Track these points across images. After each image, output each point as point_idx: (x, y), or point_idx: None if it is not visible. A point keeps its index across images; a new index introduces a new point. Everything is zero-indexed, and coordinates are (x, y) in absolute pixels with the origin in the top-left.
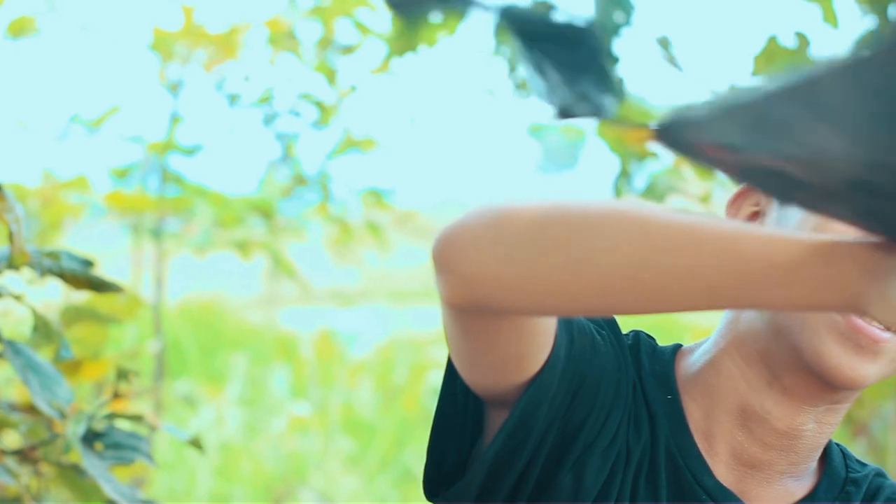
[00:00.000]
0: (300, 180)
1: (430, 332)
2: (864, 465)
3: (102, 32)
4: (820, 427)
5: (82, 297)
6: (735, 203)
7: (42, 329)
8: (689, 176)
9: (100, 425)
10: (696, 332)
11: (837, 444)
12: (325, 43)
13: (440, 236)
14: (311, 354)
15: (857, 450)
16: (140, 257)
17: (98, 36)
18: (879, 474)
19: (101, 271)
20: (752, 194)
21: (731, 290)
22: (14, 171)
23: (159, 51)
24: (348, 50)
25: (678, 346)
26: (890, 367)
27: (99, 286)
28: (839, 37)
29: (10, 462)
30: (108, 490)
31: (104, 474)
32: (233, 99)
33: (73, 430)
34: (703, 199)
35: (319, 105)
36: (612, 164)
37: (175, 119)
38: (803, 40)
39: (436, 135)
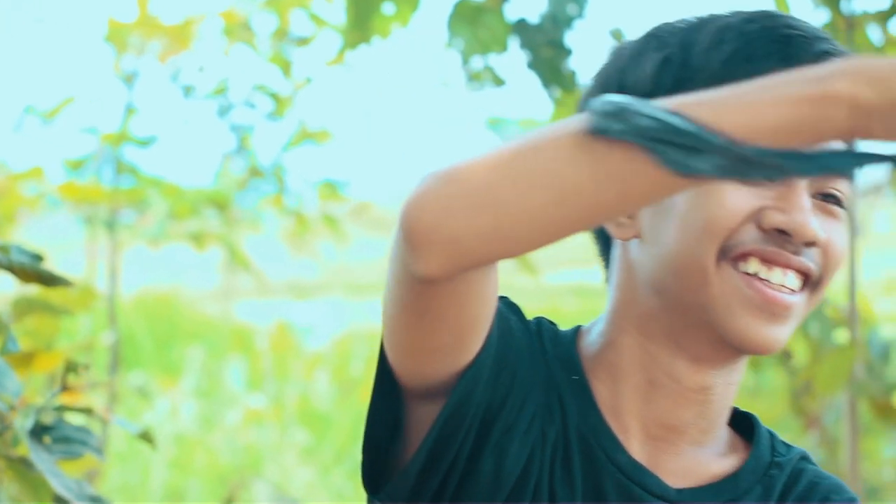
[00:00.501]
0: (255, 172)
1: None
2: (789, 448)
3: (57, 23)
4: (726, 387)
5: (35, 288)
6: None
7: None
8: None
9: (48, 418)
10: None
11: (766, 428)
12: (280, 34)
13: (407, 214)
14: (267, 347)
15: (809, 442)
16: (95, 249)
17: (53, 27)
18: (804, 458)
19: (52, 265)
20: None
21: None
22: None
23: (114, 42)
24: (303, 41)
25: (578, 328)
26: (795, 326)
27: (49, 280)
28: None
29: None
30: (56, 484)
31: (52, 468)
32: (187, 90)
33: (21, 423)
34: None
35: (274, 97)
36: None
37: (130, 110)
38: None
39: (391, 126)
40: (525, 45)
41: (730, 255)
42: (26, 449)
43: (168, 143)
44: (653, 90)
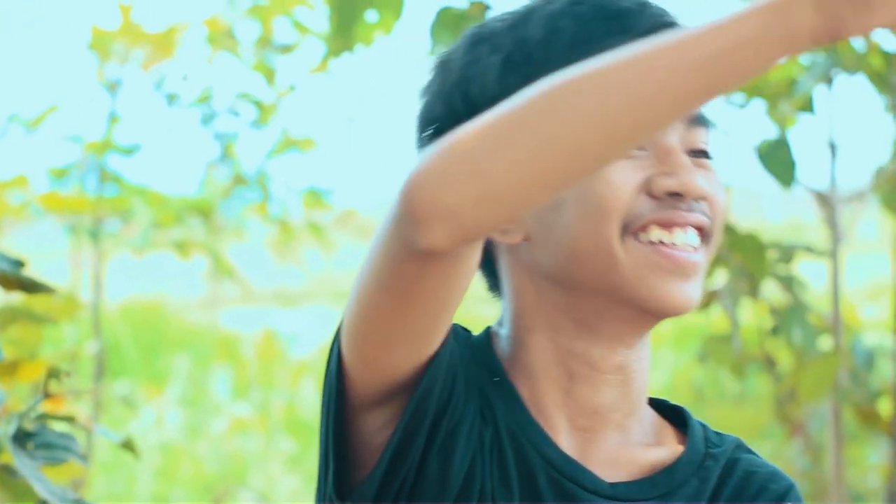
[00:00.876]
0: (239, 180)
1: None
2: (722, 437)
3: (40, 31)
4: (639, 363)
5: (19, 297)
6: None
7: None
8: None
9: (31, 425)
10: None
11: (698, 420)
12: (264, 42)
13: (409, 188)
14: (252, 355)
15: (794, 449)
16: (79, 258)
17: (36, 35)
18: (739, 446)
19: (34, 272)
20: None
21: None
22: None
23: (97, 50)
24: (287, 49)
25: (488, 330)
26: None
27: (30, 287)
28: None
29: None
30: (40, 489)
31: (35, 474)
32: (171, 98)
33: (4, 430)
34: None
35: (258, 104)
36: None
37: (113, 119)
38: None
39: (375, 134)
40: None
41: (630, 229)
42: (10, 456)
43: (152, 151)
44: (501, 93)
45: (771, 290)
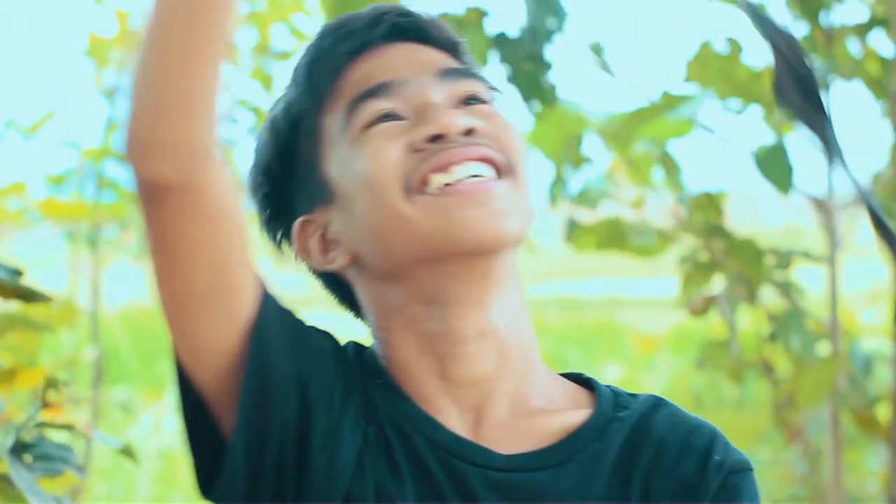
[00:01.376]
0: (238, 186)
1: None
2: (635, 399)
3: (38, 38)
4: (508, 324)
5: (16, 304)
6: (301, 234)
7: None
8: (623, 182)
9: (29, 436)
10: (637, 338)
11: (609, 386)
12: (261, 49)
13: (129, 140)
14: None
15: (792, 454)
16: (77, 264)
17: (34, 41)
18: (656, 405)
19: (32, 280)
20: (315, 223)
21: None
22: None
23: (95, 57)
24: (284, 56)
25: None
26: (521, 217)
27: (28, 296)
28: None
29: None
30: (35, 501)
31: (31, 487)
32: None
33: (2, 440)
34: (635, 204)
35: (256, 111)
36: (547, 170)
37: (111, 125)
38: (735, 46)
39: None
40: (505, 59)
41: (412, 187)
42: (6, 466)
43: None
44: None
45: (769, 296)
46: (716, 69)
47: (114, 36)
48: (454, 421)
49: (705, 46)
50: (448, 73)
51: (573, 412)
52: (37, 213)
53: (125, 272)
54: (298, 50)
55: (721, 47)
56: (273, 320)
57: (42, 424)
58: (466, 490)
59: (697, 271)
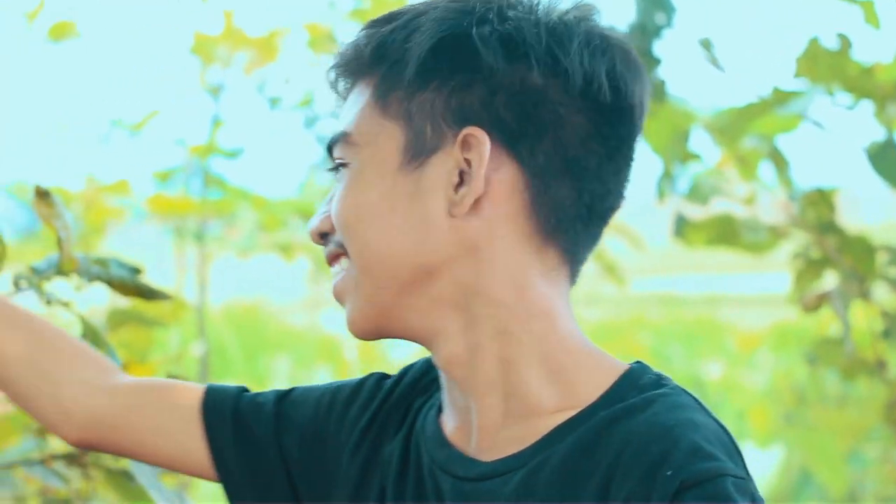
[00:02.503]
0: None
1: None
2: (644, 395)
3: (144, 36)
4: (467, 352)
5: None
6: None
7: (90, 336)
8: (733, 178)
9: None
10: (738, 335)
11: (646, 378)
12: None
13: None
14: (354, 356)
15: None
16: (183, 260)
17: (139, 40)
18: (635, 408)
19: (148, 278)
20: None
21: None
22: (57, 175)
23: (200, 54)
24: None
25: None
26: (358, 294)
27: (147, 294)
28: (881, 38)
29: (59, 466)
30: (157, 497)
31: (153, 482)
32: (274, 102)
33: None
34: (747, 201)
35: None
36: (655, 165)
37: (216, 122)
38: (845, 42)
39: None
40: None
41: None
42: (127, 462)
43: (255, 154)
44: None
45: (882, 293)
46: (826, 65)
47: (219, 34)
48: (455, 430)
49: (814, 42)
50: (328, 144)
51: (563, 413)
52: (143, 209)
53: (230, 268)
54: None
55: (830, 43)
56: (226, 443)
57: None
58: (441, 501)
59: (810, 268)
